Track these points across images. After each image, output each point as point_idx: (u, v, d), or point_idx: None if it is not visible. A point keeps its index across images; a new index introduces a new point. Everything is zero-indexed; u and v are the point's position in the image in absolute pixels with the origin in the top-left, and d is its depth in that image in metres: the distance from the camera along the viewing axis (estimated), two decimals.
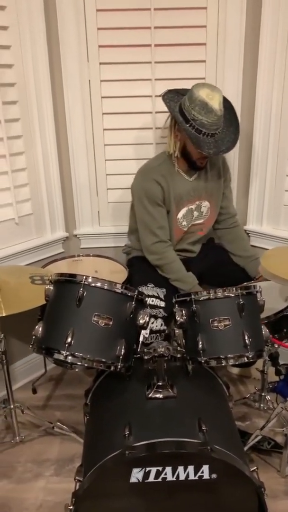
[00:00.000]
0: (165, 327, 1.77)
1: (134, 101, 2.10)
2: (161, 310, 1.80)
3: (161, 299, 1.85)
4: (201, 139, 1.70)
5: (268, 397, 1.92)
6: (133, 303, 1.33)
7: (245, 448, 1.69)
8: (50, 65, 2.00)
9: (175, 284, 1.91)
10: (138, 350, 1.38)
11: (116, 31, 1.99)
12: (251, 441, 1.71)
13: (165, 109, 2.07)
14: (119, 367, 1.31)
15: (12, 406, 1.78)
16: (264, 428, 1.69)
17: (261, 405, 1.94)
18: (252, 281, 1.90)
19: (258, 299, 1.41)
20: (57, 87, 2.06)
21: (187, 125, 1.70)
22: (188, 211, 1.95)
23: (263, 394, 1.91)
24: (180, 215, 1.93)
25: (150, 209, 1.86)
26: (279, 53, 1.94)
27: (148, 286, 1.88)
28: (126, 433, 1.23)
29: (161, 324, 1.76)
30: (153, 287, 1.88)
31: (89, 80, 2.07)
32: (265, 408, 1.93)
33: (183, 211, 1.93)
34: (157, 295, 1.86)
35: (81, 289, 1.30)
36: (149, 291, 1.86)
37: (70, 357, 1.27)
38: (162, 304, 1.82)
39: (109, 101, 2.10)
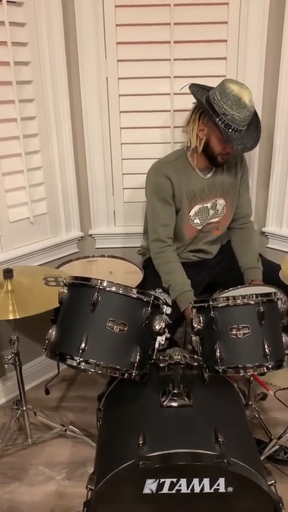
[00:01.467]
0: (168, 335, 1.72)
1: (152, 99, 2.06)
2: (166, 317, 1.75)
3: (168, 305, 1.81)
4: (229, 134, 1.66)
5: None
6: (149, 308, 1.30)
7: (261, 458, 1.65)
8: (67, 62, 1.97)
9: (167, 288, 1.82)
10: (154, 357, 1.34)
11: (135, 27, 1.95)
12: (268, 450, 1.66)
13: (184, 107, 2.05)
14: (133, 374, 1.28)
15: (24, 408, 1.77)
16: (282, 437, 1.64)
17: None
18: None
19: (279, 307, 1.36)
20: (74, 85, 2.02)
21: (217, 119, 1.66)
22: (202, 209, 1.90)
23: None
24: (192, 212, 1.88)
25: (157, 204, 1.83)
26: None
27: (156, 291, 1.83)
28: (140, 442, 1.19)
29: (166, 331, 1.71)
30: (161, 292, 1.84)
31: (107, 78, 2.03)
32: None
33: (195, 208, 1.88)
34: (164, 301, 1.81)
35: (96, 293, 1.27)
36: (157, 296, 1.81)
37: (83, 364, 1.24)
38: (169, 310, 1.77)
39: (126, 99, 2.07)
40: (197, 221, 1.90)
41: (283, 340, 1.34)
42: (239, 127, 1.67)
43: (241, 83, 1.67)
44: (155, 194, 1.83)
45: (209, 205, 1.91)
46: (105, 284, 1.28)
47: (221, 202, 1.93)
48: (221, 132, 1.67)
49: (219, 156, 1.78)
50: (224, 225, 2.00)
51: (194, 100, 1.76)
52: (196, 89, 1.75)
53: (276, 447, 1.67)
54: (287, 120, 2.00)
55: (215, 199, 1.91)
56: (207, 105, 1.67)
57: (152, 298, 1.31)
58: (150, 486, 1.17)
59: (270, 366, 1.28)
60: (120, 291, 1.29)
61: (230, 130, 1.66)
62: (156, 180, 1.82)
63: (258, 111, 2.02)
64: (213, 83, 2.00)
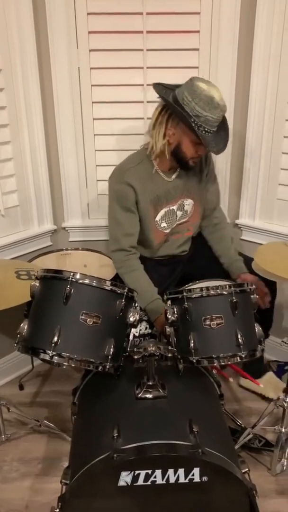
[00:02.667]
0: (149, 331, 1.71)
1: (125, 90, 2.04)
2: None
3: None
4: (205, 136, 1.58)
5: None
6: (123, 300, 1.28)
7: (236, 447, 1.67)
8: (38, 52, 1.92)
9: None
10: (128, 349, 1.33)
11: (107, 16, 1.92)
12: (242, 439, 1.69)
13: (157, 98, 2.03)
14: (107, 367, 1.26)
15: None
16: (256, 426, 1.67)
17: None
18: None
19: (252, 297, 1.37)
20: (45, 75, 1.98)
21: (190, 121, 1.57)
22: (168, 212, 1.81)
23: None
24: (158, 217, 1.80)
25: (119, 213, 1.73)
26: (275, 40, 1.89)
27: None
28: (115, 435, 1.18)
29: (146, 328, 1.71)
30: None
31: (79, 68, 1.99)
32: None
33: (161, 212, 1.80)
34: None
35: (69, 286, 1.24)
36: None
37: (56, 357, 1.22)
38: None
39: (99, 89, 2.03)
40: (164, 224, 1.83)
41: (256, 330, 1.35)
42: (212, 128, 1.59)
43: (208, 81, 1.60)
44: (116, 202, 1.73)
45: (175, 207, 1.83)
46: (78, 276, 1.26)
47: (188, 202, 1.86)
48: (195, 135, 1.58)
49: (191, 160, 1.69)
50: (195, 224, 1.93)
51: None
52: (161, 89, 1.65)
53: (250, 436, 1.69)
54: (260, 112, 2.01)
55: (181, 200, 1.83)
56: (177, 106, 1.57)
57: (126, 290, 1.29)
58: (125, 478, 1.16)
59: (243, 356, 1.29)
60: (94, 284, 1.27)
61: (204, 132, 1.58)
62: (118, 187, 1.72)
63: (231, 101, 2.04)
64: (187, 74, 1.99)
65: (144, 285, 1.73)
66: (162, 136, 1.65)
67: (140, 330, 1.72)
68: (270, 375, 2.05)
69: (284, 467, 1.67)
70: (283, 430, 1.59)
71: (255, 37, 1.91)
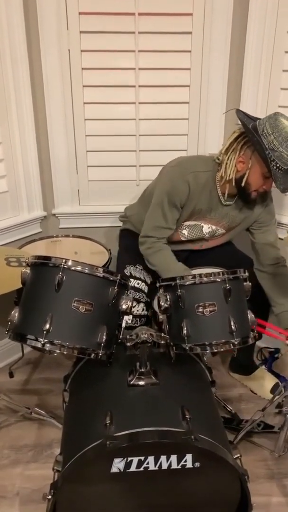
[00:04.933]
0: (146, 312, 1.71)
1: (116, 74, 2.00)
2: (144, 295, 1.74)
3: (146, 283, 1.79)
4: (275, 171, 1.55)
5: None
6: (116, 287, 1.27)
7: (243, 432, 1.69)
8: (27, 33, 1.87)
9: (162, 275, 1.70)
10: (121, 336, 1.32)
11: None
12: (251, 422, 1.68)
13: (149, 82, 2.01)
14: (100, 354, 1.25)
15: None
16: (266, 409, 1.65)
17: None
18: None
19: (245, 284, 1.37)
20: (34, 57, 1.93)
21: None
22: (197, 225, 1.81)
23: None
24: (186, 223, 1.80)
25: (165, 206, 1.70)
26: (268, 18, 1.87)
27: (136, 267, 1.81)
28: (107, 422, 1.18)
29: (143, 309, 1.71)
30: (141, 269, 1.82)
31: (69, 50, 1.95)
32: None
33: (192, 222, 1.79)
34: (143, 278, 1.81)
35: (60, 273, 1.22)
36: (137, 272, 1.80)
37: (48, 345, 1.21)
38: (146, 289, 1.76)
39: (90, 72, 1.99)
40: (185, 232, 1.82)
41: (249, 317, 1.35)
42: (284, 165, 1.54)
43: None
44: (167, 194, 1.69)
45: (207, 226, 1.81)
46: (70, 263, 1.24)
47: (220, 231, 1.84)
48: (267, 168, 1.56)
49: (253, 192, 1.66)
50: (210, 245, 1.91)
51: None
52: (242, 116, 1.62)
53: (261, 418, 1.68)
54: (253, 93, 1.99)
55: (217, 226, 1.81)
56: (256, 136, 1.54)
57: (118, 277, 1.28)
58: (117, 465, 1.16)
59: (236, 343, 1.29)
60: (86, 271, 1.25)
61: (275, 167, 1.54)
62: (176, 183, 1.68)
63: (225, 83, 2.01)
64: (179, 58, 1.98)
65: (172, 261, 1.73)
66: (234, 163, 1.63)
67: (138, 311, 1.73)
68: (260, 372, 2.06)
69: (286, 449, 1.69)
70: None
71: (249, 19, 1.89)
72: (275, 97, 1.97)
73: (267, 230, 1.84)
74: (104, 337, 1.25)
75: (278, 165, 1.54)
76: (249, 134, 1.57)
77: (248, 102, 2.01)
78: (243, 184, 1.64)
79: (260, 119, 1.63)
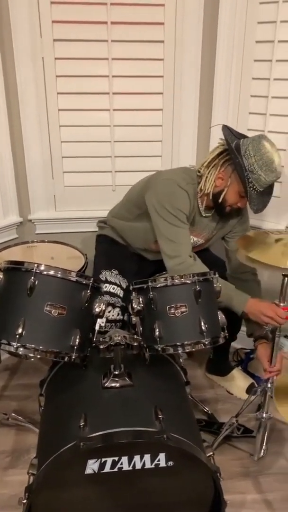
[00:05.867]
0: (121, 317, 1.73)
1: (90, 81, 2.03)
2: (119, 299, 1.76)
3: (121, 288, 1.81)
4: (251, 192, 1.60)
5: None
6: (89, 291, 1.29)
7: (220, 437, 1.70)
8: (0, 40, 1.89)
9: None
10: (94, 339, 1.34)
11: (71, 6, 1.90)
12: (226, 429, 1.70)
13: (123, 90, 2.04)
14: (73, 357, 1.27)
15: None
16: (239, 414, 1.68)
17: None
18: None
19: (215, 285, 1.40)
20: (8, 64, 1.95)
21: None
22: None
23: None
24: None
25: (175, 220, 1.65)
26: (237, 28, 1.93)
27: (112, 272, 1.83)
28: (82, 424, 1.20)
29: (118, 314, 1.73)
30: (117, 274, 1.83)
31: (43, 58, 1.97)
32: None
33: None
34: (119, 283, 1.81)
35: (33, 277, 1.24)
36: (112, 277, 1.81)
37: (21, 349, 1.22)
38: (122, 293, 1.78)
39: (64, 80, 2.02)
40: None
41: (219, 318, 1.39)
42: (260, 188, 1.59)
43: (274, 144, 1.61)
44: (171, 206, 1.64)
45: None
46: (42, 268, 1.25)
47: (200, 242, 1.86)
48: (244, 188, 1.60)
49: (228, 207, 1.70)
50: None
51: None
52: (228, 133, 1.64)
53: (235, 424, 1.69)
54: (224, 100, 2.04)
55: (198, 238, 1.82)
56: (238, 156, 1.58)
57: (91, 281, 1.30)
58: (92, 466, 1.17)
59: (206, 343, 1.32)
60: (59, 275, 1.27)
61: (251, 189, 1.59)
62: (178, 193, 1.65)
63: (197, 95, 2.06)
64: (152, 66, 2.02)
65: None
66: (213, 179, 1.66)
67: (113, 316, 1.74)
68: (236, 373, 2.10)
69: (264, 452, 1.72)
70: (264, 415, 1.62)
71: (219, 25, 1.94)
72: (245, 104, 2.02)
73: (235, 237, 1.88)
74: (78, 340, 1.26)
75: (254, 187, 1.59)
76: (231, 153, 1.61)
77: (219, 109, 2.06)
78: (220, 200, 1.68)
79: (245, 136, 1.67)
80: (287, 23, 1.81)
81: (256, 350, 1.73)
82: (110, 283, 1.80)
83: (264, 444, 1.71)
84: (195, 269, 1.58)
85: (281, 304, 1.51)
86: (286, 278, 1.47)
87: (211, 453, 1.30)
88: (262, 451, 1.71)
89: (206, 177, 1.67)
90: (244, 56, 1.96)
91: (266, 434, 1.69)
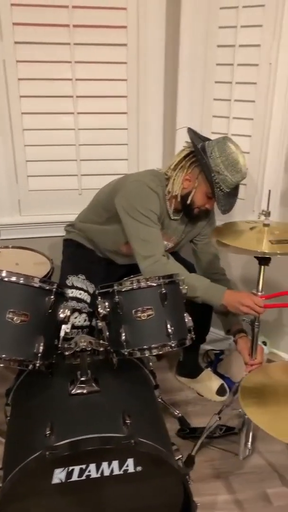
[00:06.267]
0: (88, 323, 1.71)
1: (53, 84, 2.01)
2: (86, 305, 1.74)
3: (88, 293, 1.79)
4: (218, 193, 1.61)
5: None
6: (52, 297, 1.26)
7: (202, 438, 1.69)
8: None
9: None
10: (60, 345, 1.31)
11: (32, 8, 1.88)
12: (209, 427, 1.69)
13: (87, 93, 2.03)
14: (37, 364, 1.24)
15: None
16: (222, 411, 1.67)
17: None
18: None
19: (181, 287, 1.40)
20: None
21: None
22: None
23: None
24: None
25: (145, 220, 1.64)
26: (199, 33, 1.95)
27: (79, 277, 1.80)
28: (47, 432, 1.17)
29: (85, 320, 1.71)
30: (84, 279, 1.81)
31: (4, 60, 1.93)
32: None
33: None
34: (85, 288, 1.79)
35: None
36: (79, 282, 1.79)
37: None
38: (89, 299, 1.76)
39: (27, 83, 1.99)
40: None
41: (186, 320, 1.39)
42: (227, 188, 1.61)
43: (238, 145, 1.63)
44: (142, 207, 1.64)
45: None
46: (3, 274, 1.22)
47: (170, 246, 1.85)
48: (211, 189, 1.61)
49: (196, 209, 1.71)
50: None
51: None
52: (193, 135, 1.66)
53: (217, 423, 1.69)
54: (189, 106, 2.06)
55: (168, 242, 1.82)
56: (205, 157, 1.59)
57: (54, 287, 1.27)
58: (59, 475, 1.15)
59: (173, 345, 1.32)
60: (21, 281, 1.24)
61: (218, 190, 1.61)
62: (147, 194, 1.65)
63: (161, 92, 2.07)
64: (116, 69, 2.02)
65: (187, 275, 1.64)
66: (181, 181, 1.67)
67: (79, 321, 1.72)
68: (206, 375, 2.11)
69: (250, 450, 1.73)
70: None
71: (182, 30, 1.95)
72: (209, 107, 2.04)
73: (209, 241, 1.90)
74: (42, 347, 1.23)
75: (221, 188, 1.61)
76: (198, 154, 1.62)
77: (184, 112, 2.07)
78: (188, 201, 1.69)
79: (209, 139, 1.69)
80: (247, 28, 1.84)
81: (236, 344, 1.75)
82: (77, 288, 1.78)
83: (249, 442, 1.72)
84: (169, 268, 1.58)
85: (259, 293, 1.53)
86: (262, 267, 1.49)
87: (180, 455, 1.30)
88: (248, 450, 1.72)
89: (174, 179, 1.68)
90: (207, 59, 1.98)
91: (251, 433, 1.71)
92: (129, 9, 1.94)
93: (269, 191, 1.54)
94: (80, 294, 1.77)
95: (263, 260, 1.48)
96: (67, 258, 1.93)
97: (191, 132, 1.67)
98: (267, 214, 1.51)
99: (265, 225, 1.51)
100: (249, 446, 1.72)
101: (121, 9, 1.94)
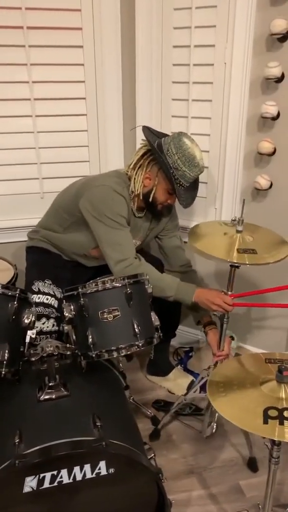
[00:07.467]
0: (56, 328, 1.69)
1: (10, 87, 1.97)
2: (54, 310, 1.72)
3: (56, 298, 1.76)
4: (179, 189, 1.64)
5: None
6: (15, 303, 1.24)
7: (170, 413, 1.85)
8: None
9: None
10: (26, 352, 1.29)
11: None
12: (176, 406, 1.81)
13: (45, 95, 2.01)
14: (3, 372, 1.22)
15: None
16: (188, 393, 1.78)
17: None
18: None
19: (146, 287, 1.41)
20: None
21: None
22: None
23: None
24: None
25: (113, 223, 1.65)
26: (154, 33, 1.96)
27: (45, 282, 1.77)
28: (16, 441, 1.15)
29: (53, 325, 1.68)
30: (50, 284, 1.78)
31: None
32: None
33: None
34: (52, 293, 1.76)
35: None
36: (45, 288, 1.76)
37: None
38: (56, 304, 1.74)
39: None
40: None
41: (152, 318, 1.39)
42: (186, 183, 1.64)
43: (193, 139, 1.65)
44: (110, 211, 1.63)
45: None
46: None
47: (138, 244, 1.85)
48: (171, 186, 1.64)
49: (159, 205, 1.73)
50: None
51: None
52: (148, 133, 1.67)
53: (182, 402, 1.82)
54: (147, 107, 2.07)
55: (135, 240, 1.81)
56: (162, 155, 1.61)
57: (17, 292, 1.25)
58: (30, 483, 1.13)
59: (140, 344, 1.32)
60: None
61: (178, 185, 1.64)
62: (114, 198, 1.65)
63: (119, 92, 2.07)
64: (73, 71, 2.00)
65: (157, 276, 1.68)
66: (141, 179, 1.68)
67: (48, 327, 1.69)
68: (176, 372, 2.13)
69: (214, 430, 1.82)
70: None
71: (137, 32, 1.96)
72: (167, 107, 2.06)
73: (173, 236, 1.94)
74: (6, 354, 1.21)
75: (181, 183, 1.64)
76: (155, 153, 1.64)
77: (143, 112, 2.09)
78: (150, 199, 1.71)
79: (165, 135, 1.70)
80: (200, 28, 1.87)
81: (206, 336, 1.79)
82: (43, 293, 1.75)
83: (214, 423, 1.81)
84: (142, 270, 1.57)
85: (229, 292, 1.59)
86: (233, 269, 1.55)
87: (152, 454, 1.30)
88: (212, 429, 1.81)
89: (134, 178, 1.69)
90: (163, 60, 1.99)
91: (216, 414, 1.79)
92: (83, 11, 1.93)
93: (244, 200, 1.59)
94: (47, 299, 1.74)
95: (233, 265, 1.54)
96: (32, 264, 1.89)
97: (146, 130, 1.69)
98: (240, 222, 1.56)
99: (238, 231, 1.56)
100: (214, 426, 1.81)
101: (75, 11, 1.93)
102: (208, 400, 1.63)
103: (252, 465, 1.71)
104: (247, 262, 1.45)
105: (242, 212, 1.57)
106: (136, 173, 1.69)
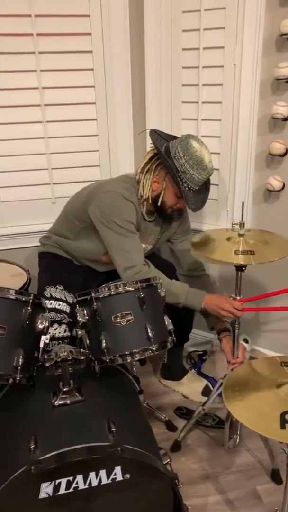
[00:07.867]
0: (69, 333, 1.69)
1: (20, 94, 1.99)
2: (65, 315, 1.72)
3: (67, 304, 1.76)
4: (187, 193, 1.63)
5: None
6: (29, 308, 1.25)
7: (189, 424, 1.79)
8: None
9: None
10: (40, 357, 1.29)
11: None
12: (195, 416, 1.76)
13: (55, 101, 2.02)
14: (18, 378, 1.22)
15: None
16: (206, 403, 1.72)
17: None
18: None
19: (159, 290, 1.40)
20: None
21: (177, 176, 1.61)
22: None
23: None
24: None
25: (123, 231, 1.65)
26: (164, 37, 1.96)
27: (56, 288, 1.77)
28: (32, 447, 1.15)
29: (65, 330, 1.68)
30: (62, 289, 1.78)
31: None
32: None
33: None
34: (64, 299, 1.76)
35: None
36: (57, 293, 1.76)
37: None
38: (68, 309, 1.74)
39: None
40: None
41: (165, 322, 1.38)
42: (195, 186, 1.63)
43: (201, 142, 1.64)
44: (119, 218, 1.63)
45: None
46: None
47: (149, 248, 1.86)
48: (178, 189, 1.63)
49: (169, 209, 1.72)
50: None
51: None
52: (156, 137, 1.66)
53: (202, 413, 1.75)
54: (157, 110, 2.07)
55: (146, 245, 1.83)
56: (168, 159, 1.60)
57: (31, 297, 1.26)
58: (46, 490, 1.13)
59: (154, 349, 1.31)
60: None
61: (187, 188, 1.62)
62: (123, 204, 1.65)
63: (129, 107, 2.07)
64: (83, 76, 2.01)
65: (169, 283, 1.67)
66: (149, 183, 1.68)
67: (60, 333, 1.69)
68: (190, 376, 2.11)
69: (237, 442, 1.78)
70: None
71: (146, 34, 1.96)
72: (177, 110, 2.06)
73: (185, 239, 1.92)
74: (21, 360, 1.21)
75: (189, 186, 1.62)
76: (161, 157, 1.63)
77: (153, 116, 2.08)
78: (159, 203, 1.70)
79: (175, 137, 1.69)
80: (210, 30, 1.86)
81: (221, 343, 1.77)
82: (55, 299, 1.75)
83: (237, 435, 1.77)
84: (151, 276, 1.53)
85: (237, 297, 1.56)
86: (239, 272, 1.52)
87: (168, 460, 1.29)
88: (235, 442, 1.77)
89: (143, 182, 1.69)
90: (173, 63, 1.99)
91: (239, 425, 1.76)
92: (92, 16, 1.94)
93: (242, 203, 1.57)
94: (59, 304, 1.74)
95: (239, 267, 1.51)
96: (44, 270, 1.90)
97: (153, 134, 1.68)
98: (242, 225, 1.54)
99: (240, 235, 1.54)
100: (238, 439, 1.77)
101: (84, 16, 1.94)
102: (228, 410, 1.63)
103: (275, 476, 1.66)
104: (243, 262, 1.42)
105: (242, 216, 1.55)
106: (144, 177, 1.69)
